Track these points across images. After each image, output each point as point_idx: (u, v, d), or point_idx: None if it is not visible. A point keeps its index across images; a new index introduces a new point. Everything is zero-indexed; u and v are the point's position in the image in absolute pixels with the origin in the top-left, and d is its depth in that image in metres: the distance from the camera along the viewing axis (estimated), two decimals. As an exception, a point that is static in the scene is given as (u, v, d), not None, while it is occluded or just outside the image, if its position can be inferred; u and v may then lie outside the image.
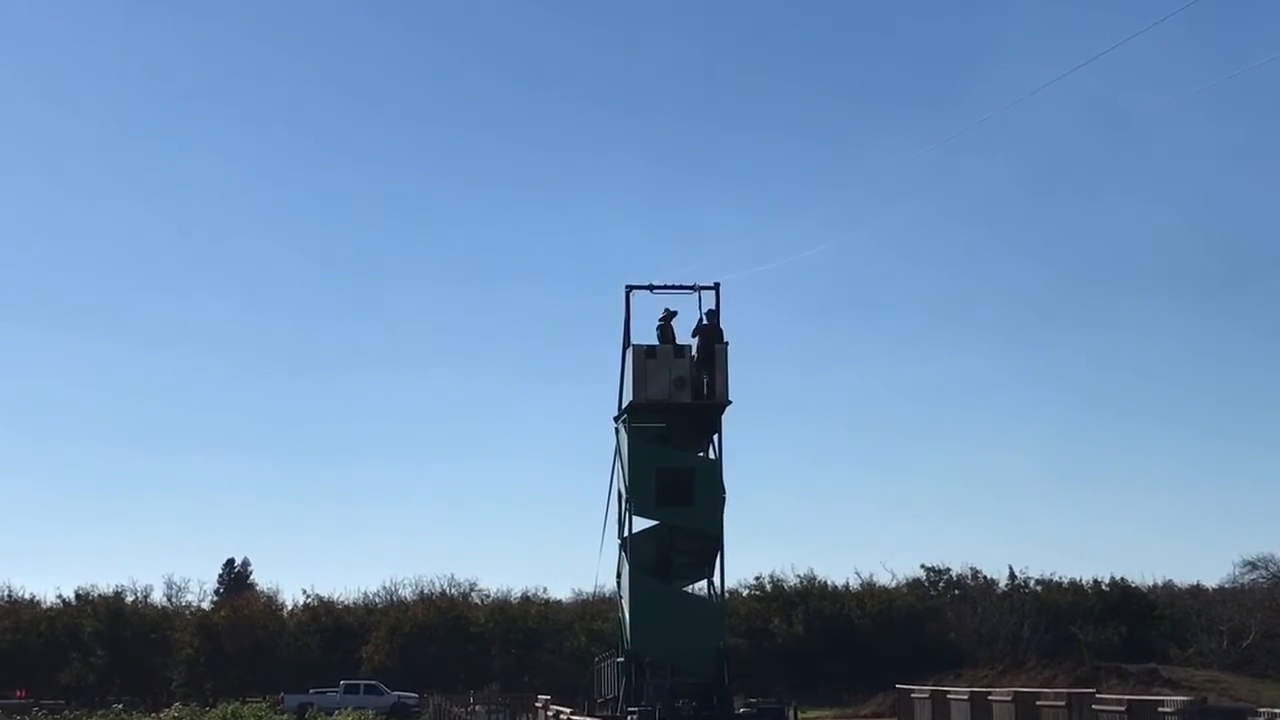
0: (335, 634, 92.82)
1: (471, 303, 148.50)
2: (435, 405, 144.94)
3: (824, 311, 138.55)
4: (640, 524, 45.98)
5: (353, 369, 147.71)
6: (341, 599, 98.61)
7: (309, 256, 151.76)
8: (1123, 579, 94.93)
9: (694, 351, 44.89)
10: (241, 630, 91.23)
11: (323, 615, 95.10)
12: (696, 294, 46.30)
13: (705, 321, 45.17)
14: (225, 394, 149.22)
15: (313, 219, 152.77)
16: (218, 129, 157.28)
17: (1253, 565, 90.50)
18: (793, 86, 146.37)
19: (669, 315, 45.45)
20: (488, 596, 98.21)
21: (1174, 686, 56.18)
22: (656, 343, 45.14)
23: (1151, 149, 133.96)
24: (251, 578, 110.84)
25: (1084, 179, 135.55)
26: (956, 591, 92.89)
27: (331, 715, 61.14)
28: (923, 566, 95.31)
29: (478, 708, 54.86)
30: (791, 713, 43.29)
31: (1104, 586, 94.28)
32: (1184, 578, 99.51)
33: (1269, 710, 35.20)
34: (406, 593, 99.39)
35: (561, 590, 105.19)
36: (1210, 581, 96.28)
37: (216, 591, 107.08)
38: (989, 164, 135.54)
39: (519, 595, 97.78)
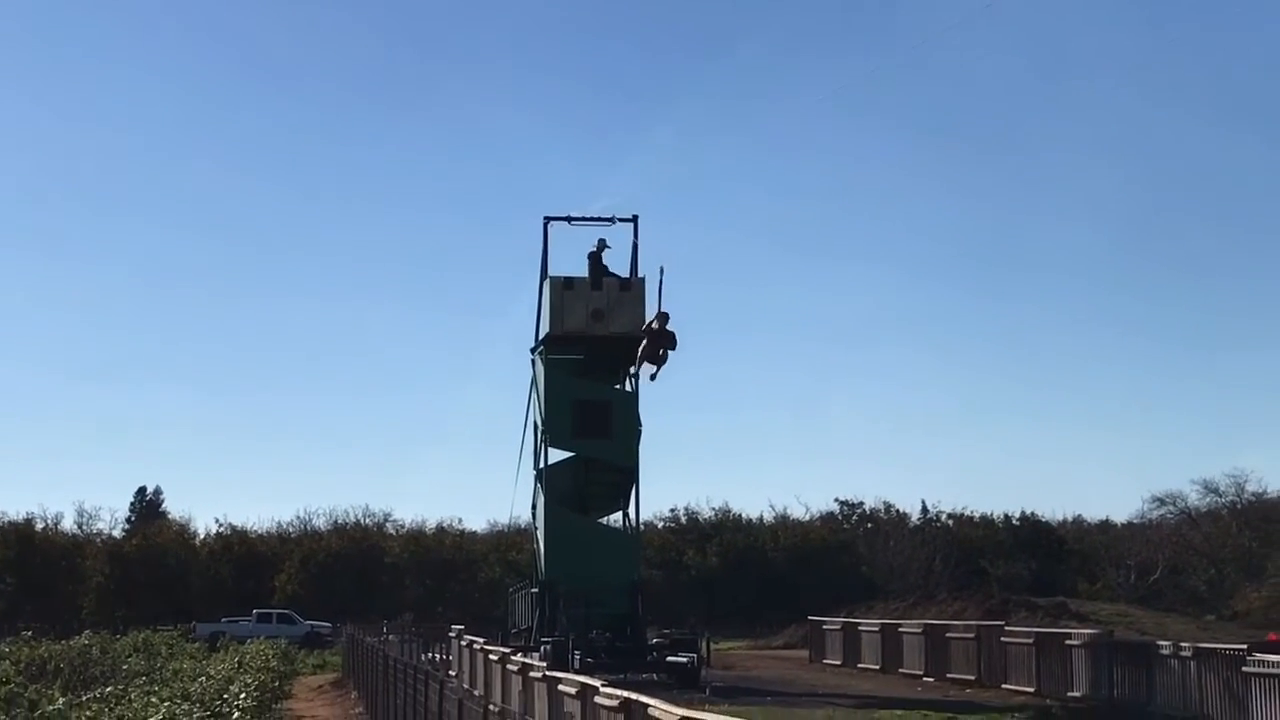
0: (248, 563, 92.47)
1: (391, 232, 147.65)
2: (351, 335, 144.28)
3: (745, 245, 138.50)
4: (556, 456, 46.06)
5: (269, 297, 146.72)
6: (255, 528, 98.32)
7: (228, 182, 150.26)
8: (1033, 514, 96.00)
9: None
10: (153, 559, 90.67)
11: (236, 544, 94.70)
12: (625, 225, 46.41)
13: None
14: (141, 318, 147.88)
15: (234, 141, 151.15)
16: (143, 47, 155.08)
17: (1161, 501, 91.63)
18: (717, 12, 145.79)
19: (601, 246, 45.36)
20: (402, 527, 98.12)
21: (1082, 620, 56.81)
22: (586, 273, 45.09)
23: (1079, 87, 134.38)
24: (164, 506, 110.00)
25: (1011, 117, 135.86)
26: (869, 525, 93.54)
27: (244, 644, 60.83)
28: (836, 500, 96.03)
29: (391, 637, 54.76)
30: (704, 644, 43.45)
31: (1015, 521, 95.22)
32: (1093, 513, 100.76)
33: (1174, 643, 35.61)
34: (320, 523, 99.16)
35: (477, 522, 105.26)
36: (1119, 517, 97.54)
37: (128, 520, 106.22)
38: (919, 96, 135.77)
39: (434, 526, 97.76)
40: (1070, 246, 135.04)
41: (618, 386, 46.07)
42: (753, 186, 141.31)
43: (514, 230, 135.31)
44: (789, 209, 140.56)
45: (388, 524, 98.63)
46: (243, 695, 33.09)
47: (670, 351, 43.13)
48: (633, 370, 44.45)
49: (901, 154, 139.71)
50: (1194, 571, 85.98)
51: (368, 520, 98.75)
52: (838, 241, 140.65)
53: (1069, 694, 37.80)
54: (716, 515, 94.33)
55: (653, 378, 43.86)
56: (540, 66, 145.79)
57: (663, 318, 42.51)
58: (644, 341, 42.87)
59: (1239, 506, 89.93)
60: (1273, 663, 30.12)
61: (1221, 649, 33.54)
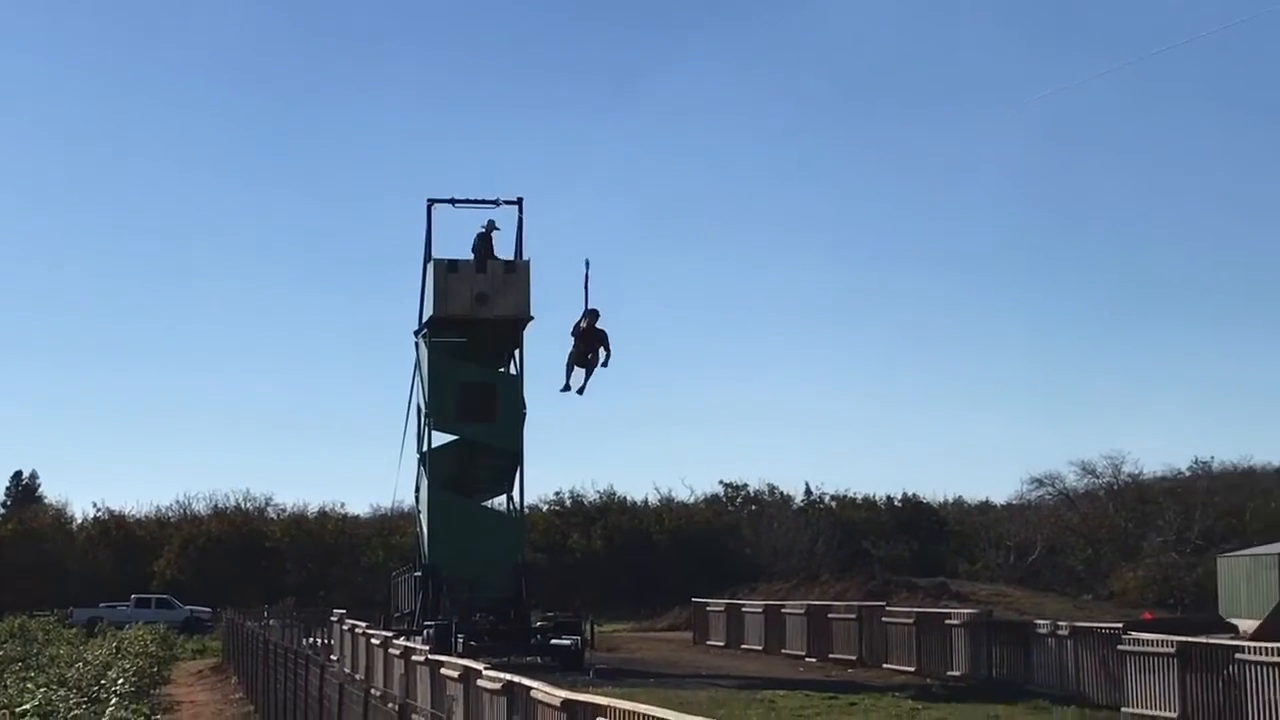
0: (127, 548, 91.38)
1: (274, 212, 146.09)
2: (231, 315, 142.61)
3: (633, 224, 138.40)
4: (440, 439, 45.92)
5: (148, 277, 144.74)
6: (133, 513, 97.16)
7: (108, 159, 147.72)
8: (915, 495, 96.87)
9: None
10: (29, 544, 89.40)
11: (114, 529, 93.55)
12: (518, 208, 46.23)
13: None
14: (15, 297, 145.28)
15: (116, 120, 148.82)
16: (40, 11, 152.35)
17: (1039, 482, 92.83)
18: None
19: (489, 228, 45.18)
20: (284, 511, 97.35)
21: (961, 600, 57.45)
22: (472, 256, 44.91)
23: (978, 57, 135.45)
24: (40, 491, 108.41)
25: (912, 89, 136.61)
26: (753, 507, 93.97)
27: (122, 629, 60.09)
28: (721, 483, 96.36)
29: (272, 622, 54.35)
30: (588, 626, 43.56)
31: (896, 503, 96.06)
32: (974, 494, 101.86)
33: (1051, 622, 36.11)
34: (200, 507, 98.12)
35: (359, 505, 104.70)
36: (999, 498, 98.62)
37: (3, 504, 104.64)
38: (816, 74, 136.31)
39: (316, 510, 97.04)
40: (954, 231, 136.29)
41: (502, 370, 45.95)
42: (630, 168, 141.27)
43: (400, 213, 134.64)
44: (675, 188, 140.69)
45: (269, 508, 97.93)
46: (120, 681, 32.67)
47: (604, 357, 41.94)
48: (570, 384, 42.69)
49: (790, 138, 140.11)
50: (1071, 552, 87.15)
51: (248, 504, 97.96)
52: (730, 222, 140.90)
53: (949, 673, 38.23)
54: (601, 498, 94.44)
55: (581, 390, 42.59)
56: (429, 47, 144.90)
57: (592, 315, 41.71)
58: (572, 345, 42.13)
59: (1116, 488, 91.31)
60: (1148, 641, 30.57)
61: (1098, 628, 34.07)
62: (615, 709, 15.90)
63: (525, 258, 45.26)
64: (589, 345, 41.59)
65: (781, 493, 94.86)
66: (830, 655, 44.46)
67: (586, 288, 41.78)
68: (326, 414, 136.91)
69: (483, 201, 45.80)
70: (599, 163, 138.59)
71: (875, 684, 37.03)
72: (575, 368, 42.15)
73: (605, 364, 41.86)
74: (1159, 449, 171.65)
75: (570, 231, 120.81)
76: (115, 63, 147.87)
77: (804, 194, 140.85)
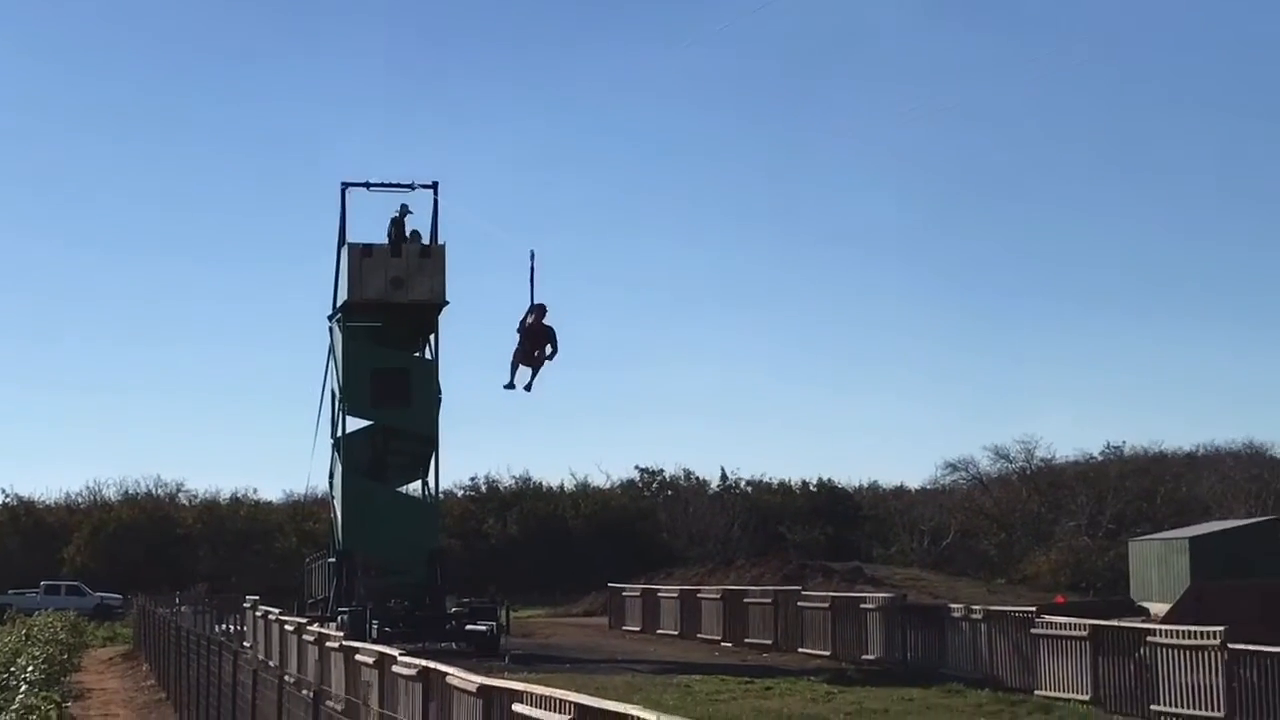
0: (36, 535, 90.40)
1: (189, 193, 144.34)
2: (143, 299, 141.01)
3: (557, 213, 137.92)
4: (354, 424, 45.70)
5: (56, 254, 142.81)
6: (43, 499, 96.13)
7: (31, 132, 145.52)
8: (830, 480, 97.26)
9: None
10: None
11: (23, 516, 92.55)
12: (434, 191, 45.97)
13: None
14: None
15: (29, 96, 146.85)
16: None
17: (953, 467, 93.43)
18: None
19: (403, 212, 44.94)
20: (195, 498, 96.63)
21: (876, 584, 57.81)
22: (387, 240, 44.66)
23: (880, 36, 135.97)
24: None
25: (819, 72, 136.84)
26: (669, 492, 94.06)
27: (32, 616, 59.44)
28: (637, 468, 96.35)
29: (184, 609, 53.91)
30: (503, 612, 43.46)
31: (812, 488, 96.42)
32: (888, 479, 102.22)
33: (965, 606, 36.34)
34: (111, 493, 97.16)
35: (272, 491, 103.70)
36: (913, 483, 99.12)
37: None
38: (740, 56, 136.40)
39: (228, 496, 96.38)
40: (872, 216, 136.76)
41: (417, 354, 45.74)
42: (548, 150, 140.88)
43: (315, 196, 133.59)
44: (592, 175, 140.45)
45: (180, 494, 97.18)
46: (30, 668, 32.39)
47: (550, 356, 40.19)
48: (514, 382, 40.78)
49: (711, 119, 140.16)
50: (985, 536, 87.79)
51: (160, 490, 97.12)
52: (646, 205, 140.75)
53: (864, 657, 38.40)
54: (517, 484, 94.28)
55: (528, 387, 40.75)
56: (350, 22, 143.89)
57: (539, 310, 40.01)
58: (518, 342, 40.49)
59: (1029, 472, 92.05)
60: (1060, 625, 30.82)
61: (1011, 612, 34.28)
62: (531, 694, 15.82)
63: (441, 241, 45.08)
64: (535, 342, 39.87)
65: (697, 478, 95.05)
66: (746, 640, 44.55)
67: (532, 281, 40.11)
68: (239, 400, 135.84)
69: (398, 185, 45.57)
70: (515, 143, 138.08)
71: (791, 668, 37.11)
72: (521, 365, 40.46)
73: (551, 357, 40.15)
74: (1071, 434, 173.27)
75: (485, 215, 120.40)
76: (20, 33, 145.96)
77: (722, 177, 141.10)
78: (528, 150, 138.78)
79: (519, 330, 40.12)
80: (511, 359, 40.47)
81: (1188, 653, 26.08)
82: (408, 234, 44.76)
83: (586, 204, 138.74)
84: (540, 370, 40.20)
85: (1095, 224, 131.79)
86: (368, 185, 45.47)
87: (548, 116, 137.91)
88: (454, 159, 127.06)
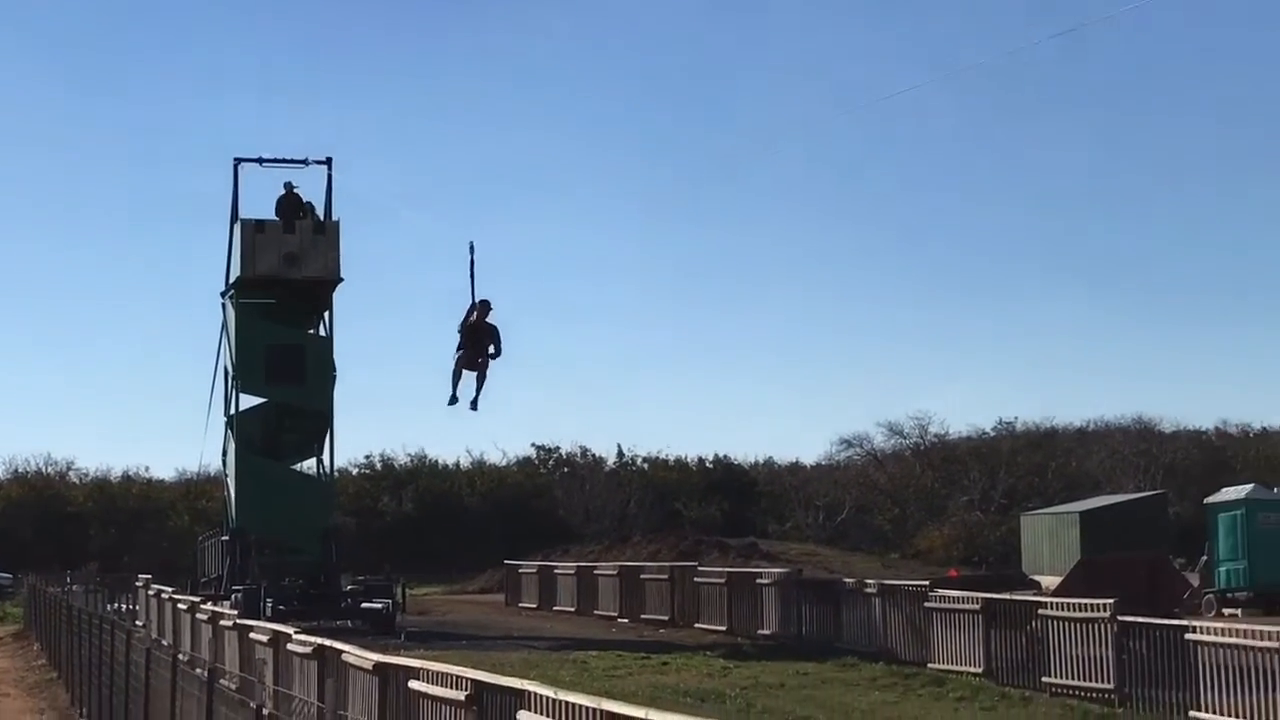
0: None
1: (79, 170, 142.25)
2: (31, 274, 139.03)
3: (448, 184, 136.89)
4: (248, 401, 45.35)
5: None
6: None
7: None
8: (726, 457, 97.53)
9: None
10: None
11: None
12: (329, 167, 45.63)
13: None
14: None
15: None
16: None
17: (848, 443, 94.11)
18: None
19: (288, 188, 44.58)
20: (86, 476, 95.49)
21: (772, 559, 58.13)
22: (277, 217, 44.31)
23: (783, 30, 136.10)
24: None
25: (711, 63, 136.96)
26: (566, 469, 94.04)
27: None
28: (533, 445, 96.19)
29: (75, 588, 53.35)
30: (399, 590, 43.32)
31: (708, 464, 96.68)
32: (784, 455, 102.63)
33: (860, 580, 36.64)
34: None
35: (165, 469, 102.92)
36: (808, 459, 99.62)
37: None
38: (628, 46, 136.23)
39: (119, 475, 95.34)
40: (765, 194, 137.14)
41: (311, 331, 45.44)
42: (450, 128, 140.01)
43: (209, 172, 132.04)
44: (492, 149, 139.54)
45: (71, 472, 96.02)
46: (-84, 650, 31.97)
47: (494, 356, 35.16)
48: (457, 395, 35.33)
49: (599, 103, 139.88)
50: (879, 511, 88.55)
51: (50, 469, 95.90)
52: (544, 178, 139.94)
53: (760, 632, 38.61)
54: (412, 461, 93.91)
55: (474, 404, 35.49)
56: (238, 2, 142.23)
57: (483, 308, 35.07)
58: (458, 346, 35.30)
59: (922, 448, 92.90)
60: (953, 598, 31.15)
61: (905, 586, 34.60)
62: (427, 671, 15.78)
63: (335, 218, 44.79)
64: (479, 345, 34.78)
65: (594, 455, 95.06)
66: (642, 616, 44.67)
67: (472, 275, 35.04)
68: (131, 378, 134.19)
69: (291, 161, 45.21)
70: (411, 124, 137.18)
71: (687, 644, 37.22)
72: (464, 373, 35.14)
73: (495, 357, 35.13)
74: (965, 410, 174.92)
75: (381, 192, 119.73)
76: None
77: (627, 155, 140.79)
78: (421, 126, 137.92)
79: (460, 330, 35.04)
80: (453, 368, 35.15)
81: (1078, 625, 26.41)
82: (303, 209, 44.43)
83: (486, 178, 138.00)
84: (486, 381, 35.09)
85: (986, 205, 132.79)
86: (260, 161, 45.11)
87: (438, 94, 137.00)
88: (349, 134, 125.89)
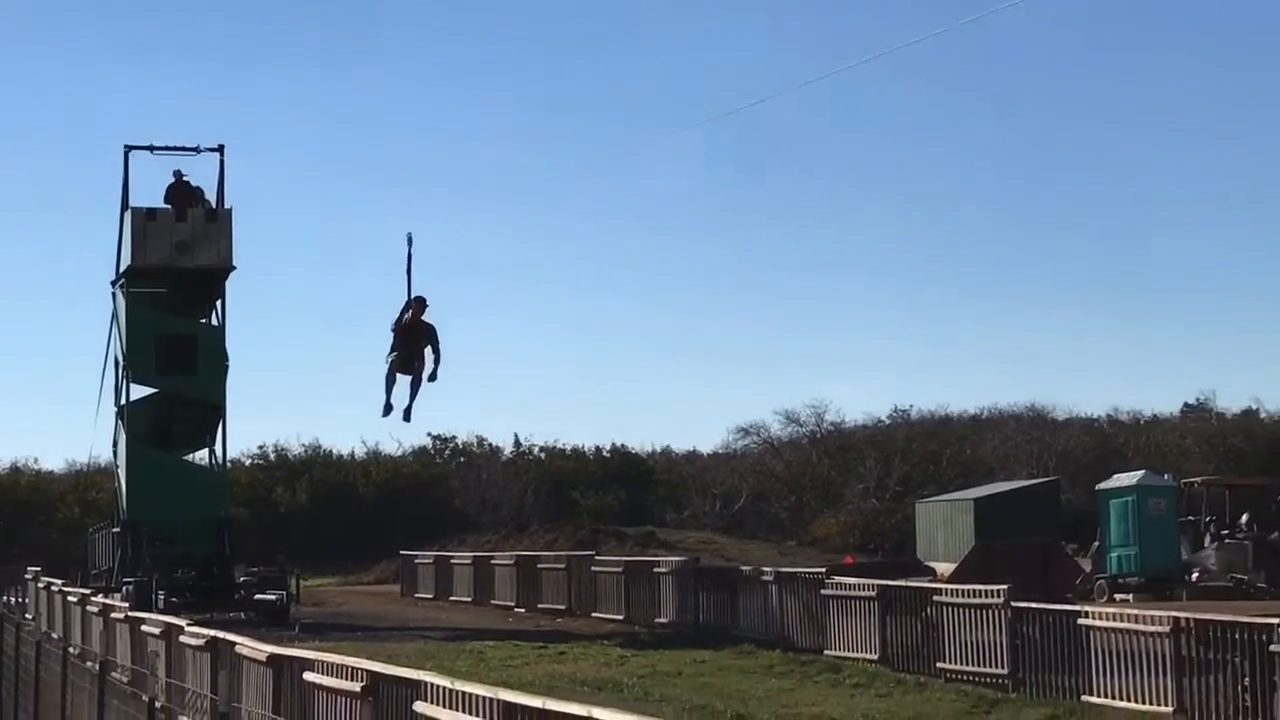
0: None
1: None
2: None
3: (338, 178, 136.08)
4: (139, 392, 44.91)
5: None
6: None
7: None
8: (623, 445, 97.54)
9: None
10: None
11: None
12: (221, 155, 45.18)
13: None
14: None
15: None
16: None
17: (745, 431, 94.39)
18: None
19: (177, 176, 44.16)
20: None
21: (669, 548, 58.19)
22: (168, 205, 43.89)
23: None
24: None
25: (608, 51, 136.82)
26: (462, 459, 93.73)
27: None
28: (429, 434, 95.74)
29: (-37, 582, 52.66)
30: (294, 581, 43.06)
31: (605, 453, 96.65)
32: (681, 444, 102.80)
33: (756, 568, 36.77)
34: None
35: (54, 461, 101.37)
36: (706, 447, 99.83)
37: None
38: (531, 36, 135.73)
39: (7, 466, 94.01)
40: (657, 179, 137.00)
41: (203, 320, 45.04)
42: (347, 123, 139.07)
43: (95, 161, 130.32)
44: (388, 142, 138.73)
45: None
46: None
47: (431, 367, 31.83)
48: (391, 403, 32.55)
49: (496, 98, 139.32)
50: (776, 499, 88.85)
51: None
52: (439, 173, 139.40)
53: (657, 620, 38.65)
54: (307, 452, 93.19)
55: (407, 414, 32.79)
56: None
57: (419, 305, 31.98)
58: (391, 347, 32.15)
59: (819, 436, 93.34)
60: (849, 585, 31.31)
61: (801, 573, 34.73)
62: (322, 662, 15.68)
63: (227, 206, 44.41)
64: (414, 346, 31.76)
65: (490, 444, 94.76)
66: (540, 605, 44.61)
67: (409, 270, 32.03)
68: (18, 368, 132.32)
69: (183, 148, 44.77)
70: (311, 114, 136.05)
71: (584, 633, 37.22)
72: (398, 378, 32.14)
73: (434, 376, 31.93)
74: (860, 398, 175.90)
75: (275, 182, 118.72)
76: None
77: (511, 150, 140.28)
78: (321, 116, 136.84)
79: (393, 329, 32.02)
80: (386, 372, 32.21)
81: (972, 611, 26.62)
82: (194, 198, 44.04)
83: (381, 170, 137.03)
84: (420, 388, 32.07)
85: (881, 193, 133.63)
86: (152, 149, 44.65)
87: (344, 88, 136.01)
88: (249, 122, 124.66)
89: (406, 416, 32.82)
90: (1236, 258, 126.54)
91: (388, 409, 32.42)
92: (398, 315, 31.98)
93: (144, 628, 23.37)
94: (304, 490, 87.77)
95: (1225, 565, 43.27)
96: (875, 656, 28.96)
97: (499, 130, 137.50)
